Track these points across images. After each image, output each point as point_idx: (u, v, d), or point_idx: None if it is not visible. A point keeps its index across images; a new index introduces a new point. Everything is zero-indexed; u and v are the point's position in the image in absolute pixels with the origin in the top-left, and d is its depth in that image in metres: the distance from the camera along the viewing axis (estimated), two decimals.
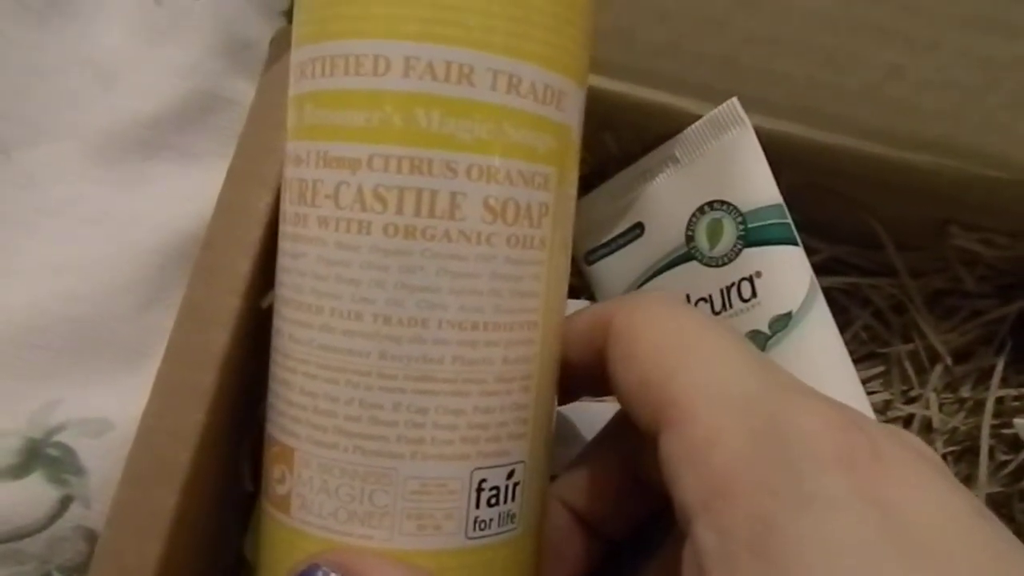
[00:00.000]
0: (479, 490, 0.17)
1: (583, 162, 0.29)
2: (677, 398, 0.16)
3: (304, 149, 0.18)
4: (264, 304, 0.22)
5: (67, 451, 0.25)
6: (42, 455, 0.25)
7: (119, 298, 0.27)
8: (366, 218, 0.16)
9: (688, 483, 0.15)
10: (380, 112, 0.16)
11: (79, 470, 0.25)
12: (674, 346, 0.17)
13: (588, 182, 0.29)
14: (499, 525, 0.17)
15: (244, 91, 0.30)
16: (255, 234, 0.21)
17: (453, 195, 0.16)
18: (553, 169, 0.18)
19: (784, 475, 0.14)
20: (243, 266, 0.20)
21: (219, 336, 0.20)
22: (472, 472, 0.17)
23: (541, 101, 0.17)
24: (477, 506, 0.17)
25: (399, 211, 0.16)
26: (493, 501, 0.17)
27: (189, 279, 0.20)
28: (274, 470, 0.18)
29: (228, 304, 0.20)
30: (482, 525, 0.17)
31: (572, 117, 0.18)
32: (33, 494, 0.25)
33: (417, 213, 0.16)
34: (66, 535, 0.25)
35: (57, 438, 0.26)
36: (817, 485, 0.14)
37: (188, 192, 0.29)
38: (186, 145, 0.30)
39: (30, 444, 0.26)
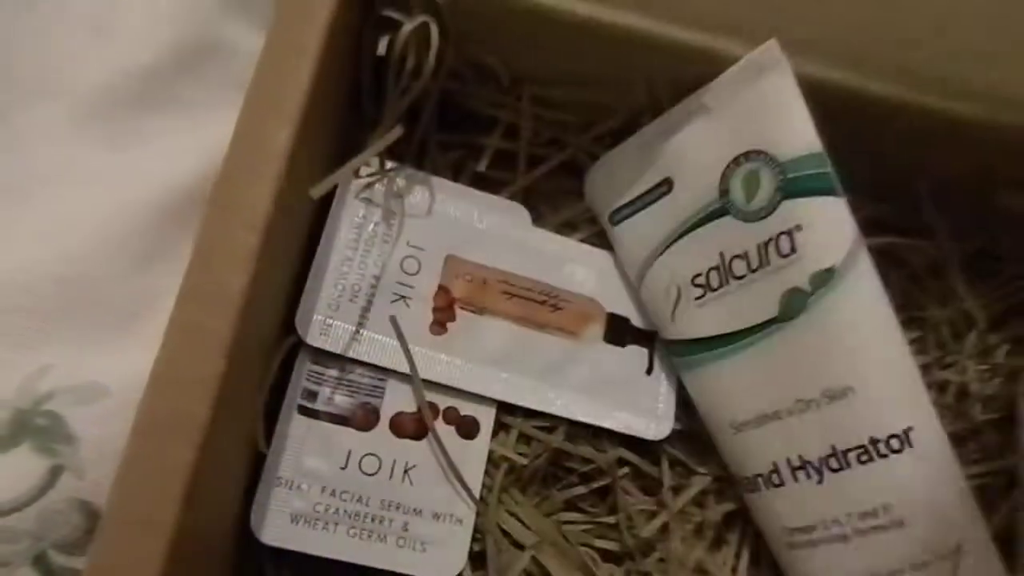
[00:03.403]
0: None
1: (613, 113, 0.27)
2: None
3: None
4: (314, 194, 0.20)
5: (56, 419, 0.24)
6: (30, 426, 0.24)
7: (113, 257, 0.26)
8: None
9: None
10: None
11: (69, 438, 0.24)
12: None
13: (619, 136, 0.27)
14: None
15: (243, 35, 0.28)
16: (274, 167, 0.19)
17: None
18: None
19: None
20: (263, 202, 0.19)
21: (236, 277, 0.18)
22: None
23: None
24: None
25: None
26: None
27: (203, 216, 0.18)
28: None
29: (245, 242, 0.18)
30: None
31: None
32: (20, 466, 0.23)
33: None
34: (59, 508, 0.23)
35: (46, 407, 0.24)
36: None
37: (186, 146, 0.27)
38: (183, 96, 0.28)
39: (18, 415, 0.24)
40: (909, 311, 0.29)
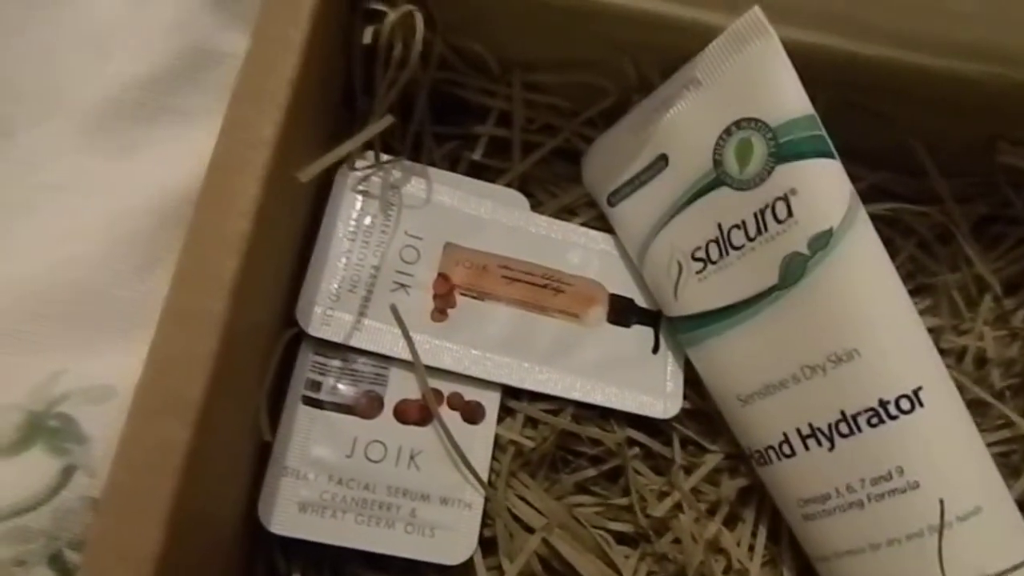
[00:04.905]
0: None
1: (604, 94, 0.27)
2: None
3: None
4: (303, 178, 0.21)
5: (68, 420, 0.24)
6: (43, 428, 0.24)
7: (117, 261, 0.26)
8: None
9: None
10: None
11: (81, 438, 0.24)
12: None
13: (612, 117, 0.27)
14: None
15: (235, 42, 0.29)
16: (262, 156, 0.19)
17: None
18: None
19: None
20: (252, 189, 0.19)
21: (228, 261, 0.18)
22: None
23: None
24: None
25: None
26: None
27: (196, 203, 0.19)
28: None
29: (238, 227, 0.19)
30: None
31: None
32: (33, 467, 0.24)
33: None
34: (72, 507, 0.23)
35: (59, 409, 0.24)
36: None
37: (185, 152, 0.28)
38: (182, 105, 0.29)
39: (31, 418, 0.24)
40: (920, 279, 0.29)
